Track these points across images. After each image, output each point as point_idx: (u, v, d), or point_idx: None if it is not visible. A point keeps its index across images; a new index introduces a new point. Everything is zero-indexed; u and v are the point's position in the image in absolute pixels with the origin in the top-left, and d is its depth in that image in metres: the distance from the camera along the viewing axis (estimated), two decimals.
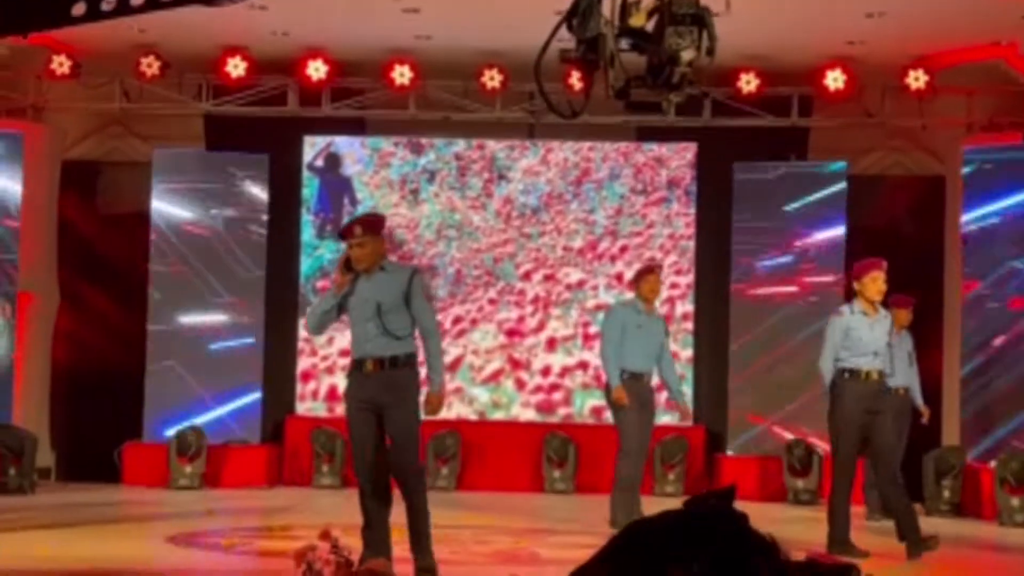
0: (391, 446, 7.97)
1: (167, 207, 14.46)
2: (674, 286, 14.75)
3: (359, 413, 7.95)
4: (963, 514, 12.86)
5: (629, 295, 11.66)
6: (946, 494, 12.95)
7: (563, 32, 6.02)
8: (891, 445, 9.82)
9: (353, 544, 7.24)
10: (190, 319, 14.40)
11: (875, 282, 9.74)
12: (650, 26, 5.84)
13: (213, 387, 14.29)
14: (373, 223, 8.10)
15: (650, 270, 11.27)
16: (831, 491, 9.84)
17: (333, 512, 10.30)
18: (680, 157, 14.95)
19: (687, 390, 14.51)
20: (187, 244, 14.43)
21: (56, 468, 14.58)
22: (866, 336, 9.67)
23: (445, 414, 14.45)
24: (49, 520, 9.77)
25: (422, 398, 8.11)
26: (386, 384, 7.90)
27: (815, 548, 9.31)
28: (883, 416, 9.64)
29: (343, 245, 8.11)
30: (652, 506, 12.51)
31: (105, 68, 14.42)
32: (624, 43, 5.77)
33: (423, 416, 8.10)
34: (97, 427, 14.37)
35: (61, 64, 14.11)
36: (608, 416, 14.32)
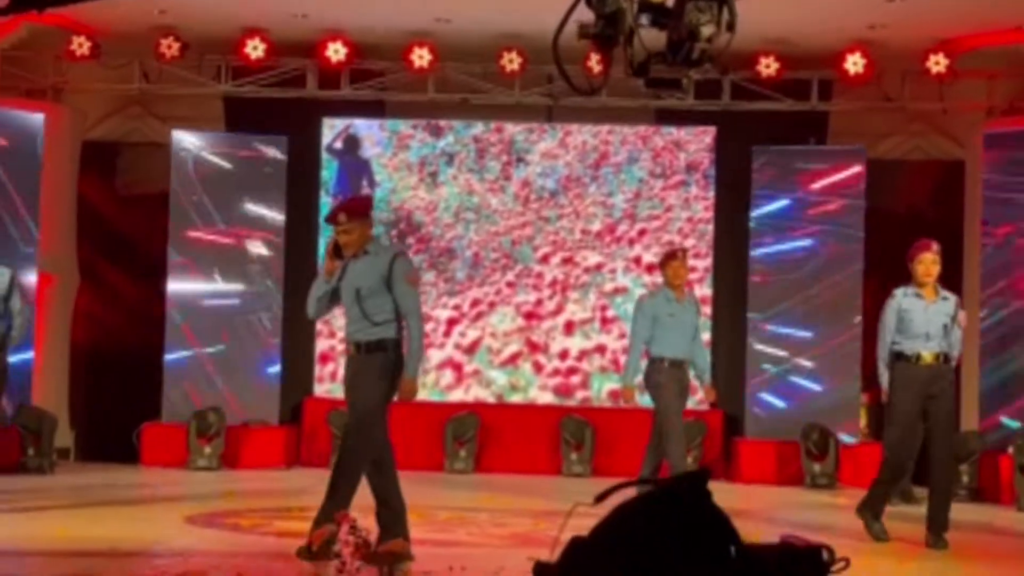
0: (348, 431, 8.01)
1: (186, 187, 14.48)
2: (692, 269, 14.67)
3: (346, 396, 8.08)
4: (981, 499, 12.84)
5: (659, 281, 11.48)
6: (964, 479, 12.93)
7: (582, 11, 5.98)
8: (943, 428, 9.47)
9: (371, 526, 7.26)
10: (209, 300, 14.43)
11: (921, 264, 9.52)
12: (670, 2, 5.80)
13: (231, 368, 14.32)
14: (357, 208, 8.05)
15: (673, 255, 11.12)
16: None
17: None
18: (699, 141, 14.92)
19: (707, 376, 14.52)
20: (205, 225, 14.45)
21: (75, 448, 14.63)
22: (918, 318, 9.40)
23: (463, 396, 14.64)
24: (68, 500, 9.79)
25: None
26: (355, 369, 7.96)
27: (811, 533, 9.31)
28: (938, 400, 9.35)
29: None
30: None
31: (125, 49, 14.44)
32: (644, 19, 5.70)
33: (396, 400, 7.95)
34: (116, 407, 14.42)
35: (81, 45, 14.14)
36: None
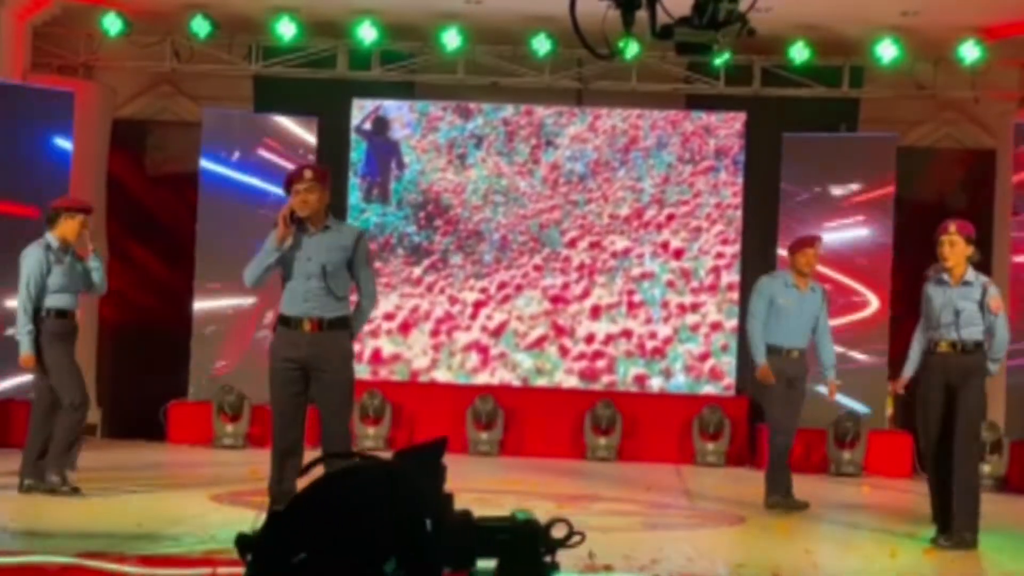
0: (324, 410, 7.70)
1: (215, 167, 14.49)
2: (720, 255, 14.70)
3: (287, 372, 7.63)
4: (1007, 490, 12.79)
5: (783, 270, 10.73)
6: (986, 468, 12.82)
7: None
8: (962, 422, 8.67)
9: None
10: (236, 280, 14.42)
11: (939, 247, 8.98)
12: None
13: (256, 347, 14.33)
14: (323, 173, 7.76)
15: (810, 242, 10.60)
16: None
17: None
18: (729, 126, 14.87)
19: (731, 359, 14.51)
20: (234, 205, 14.45)
21: (102, 425, 14.68)
22: (937, 302, 8.81)
23: (488, 379, 14.63)
24: (94, 478, 9.81)
25: None
26: (323, 345, 7.62)
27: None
28: (960, 389, 8.67)
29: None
30: (693, 476, 12.45)
31: (156, 28, 14.47)
32: None
33: None
34: (143, 385, 14.47)
35: (113, 23, 14.16)
36: (651, 384, 14.37)
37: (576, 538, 4.39)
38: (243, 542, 4.08)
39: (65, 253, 9.62)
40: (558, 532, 4.36)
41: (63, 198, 10.30)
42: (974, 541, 8.53)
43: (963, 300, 8.75)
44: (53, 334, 9.51)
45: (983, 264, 10.85)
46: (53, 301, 9.54)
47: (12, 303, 10.50)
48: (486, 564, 4.29)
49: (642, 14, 5.82)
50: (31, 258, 9.50)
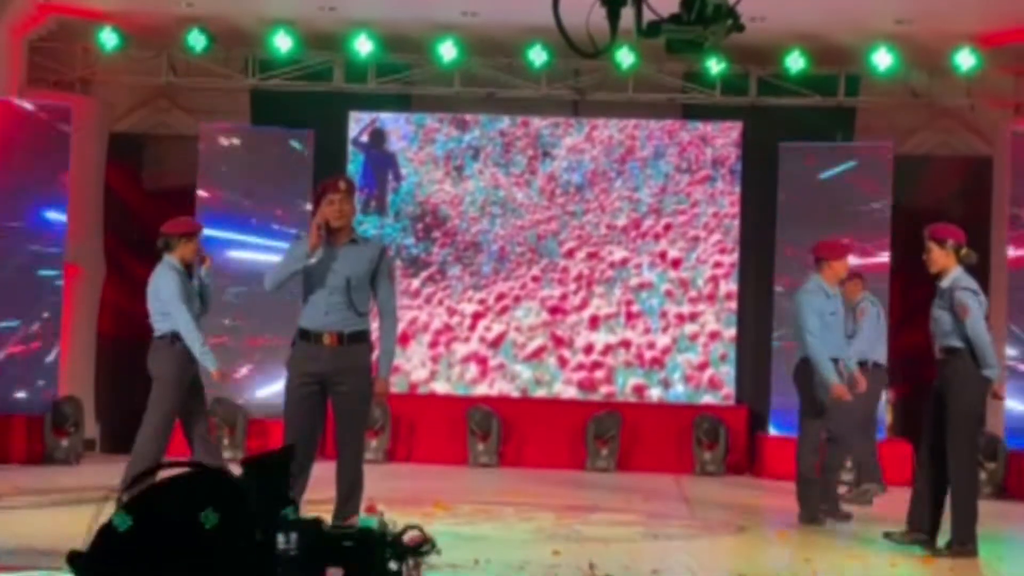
0: (342, 423, 7.65)
1: (213, 180, 14.52)
2: (718, 265, 14.73)
3: (305, 387, 7.57)
4: (1006, 496, 12.81)
5: (815, 278, 10.29)
6: (983, 476, 12.80)
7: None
8: (953, 425, 8.63)
9: (398, 517, 7.27)
10: (235, 291, 14.45)
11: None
12: None
13: (256, 359, 14.35)
14: (354, 185, 7.75)
15: (847, 249, 10.51)
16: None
17: (376, 486, 10.34)
18: (725, 136, 14.90)
19: (729, 369, 14.53)
20: (232, 217, 14.48)
21: (100, 439, 14.68)
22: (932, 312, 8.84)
23: (487, 390, 14.65)
24: (94, 492, 9.81)
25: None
26: (344, 359, 7.55)
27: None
28: (945, 397, 8.61)
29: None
30: (693, 485, 12.43)
31: (152, 42, 14.50)
32: None
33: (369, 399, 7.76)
34: (141, 399, 14.41)
35: (108, 37, 14.19)
36: (650, 394, 14.38)
37: (427, 547, 4.41)
38: (73, 559, 4.06)
39: (189, 276, 9.59)
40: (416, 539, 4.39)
41: (175, 222, 10.21)
42: (974, 550, 8.49)
43: (939, 308, 8.70)
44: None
45: (981, 269, 10.83)
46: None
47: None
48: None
49: (640, 16, 5.71)
50: (172, 281, 9.36)
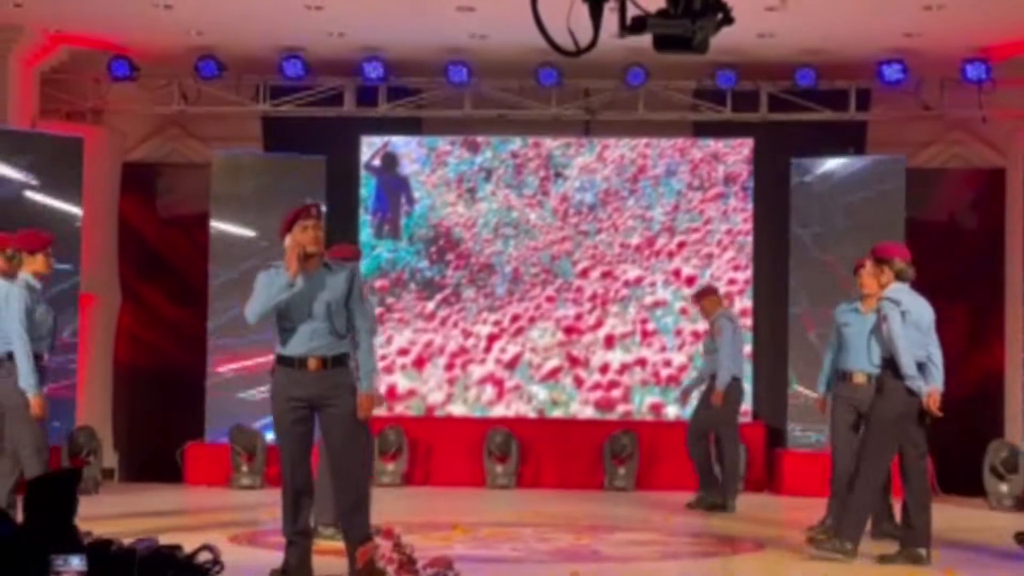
0: (331, 444, 7.70)
1: (226, 207, 14.55)
2: (732, 282, 14.72)
3: (295, 412, 7.64)
4: None
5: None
6: (1004, 488, 12.79)
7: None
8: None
9: (415, 542, 7.27)
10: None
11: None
12: None
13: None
14: (322, 212, 7.79)
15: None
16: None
17: (392, 510, 10.35)
18: (737, 152, 14.91)
19: (746, 386, 14.50)
20: (245, 244, 14.51)
21: (119, 469, 14.70)
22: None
23: (504, 412, 14.64)
24: (114, 521, 9.82)
25: None
26: (331, 383, 7.62)
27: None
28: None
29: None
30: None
31: (163, 71, 14.56)
32: None
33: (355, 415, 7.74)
34: (159, 427, 14.48)
35: (120, 67, 14.25)
36: (667, 412, 14.37)
37: (216, 567, 4.43)
38: None
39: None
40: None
41: (340, 250, 10.16)
42: (854, 551, 8.72)
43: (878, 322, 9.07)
44: None
45: (998, 282, 10.77)
46: None
47: None
48: None
49: (624, 13, 5.54)
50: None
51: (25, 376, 8.97)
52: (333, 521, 8.91)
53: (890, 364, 8.81)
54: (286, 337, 7.67)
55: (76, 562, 4.28)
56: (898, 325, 8.74)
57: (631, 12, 5.49)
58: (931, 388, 8.77)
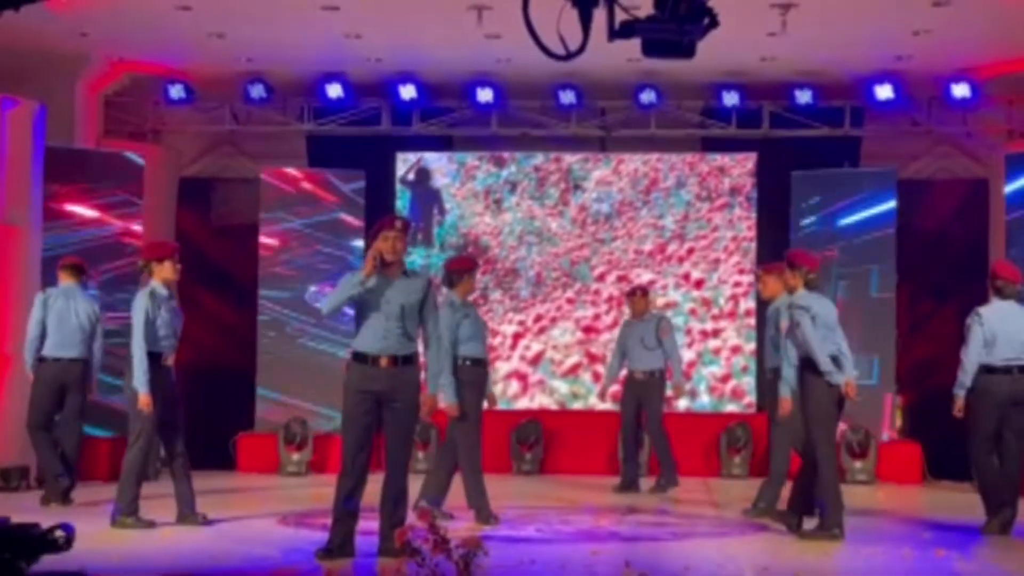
0: (393, 437, 7.80)
1: (274, 217, 14.59)
2: (737, 284, 14.71)
3: (364, 403, 7.70)
4: None
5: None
6: None
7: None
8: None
9: (449, 524, 7.28)
10: (296, 319, 14.51)
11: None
12: None
13: (317, 381, 14.37)
14: (408, 225, 7.89)
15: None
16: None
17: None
18: (741, 166, 14.89)
19: (750, 379, 14.48)
20: (292, 252, 14.55)
21: (161, 459, 14.69)
22: None
23: (528, 404, 14.64)
24: (171, 504, 9.83)
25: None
26: (399, 379, 7.70)
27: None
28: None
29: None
30: (720, 488, 12.37)
31: (216, 94, 14.60)
32: None
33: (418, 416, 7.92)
34: (213, 419, 14.50)
35: (177, 91, 14.30)
36: (677, 405, 14.32)
37: (61, 540, 4.39)
38: None
39: (468, 307, 9.69)
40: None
41: (460, 258, 10.28)
42: (840, 534, 8.77)
43: (785, 324, 9.27)
44: (470, 383, 9.51)
45: (980, 284, 10.74)
46: (466, 350, 9.52)
47: None
48: None
49: (612, 17, 5.33)
50: (446, 319, 9.21)
51: (136, 376, 9.11)
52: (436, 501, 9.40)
53: (807, 363, 8.95)
54: (363, 335, 7.76)
55: None
56: (810, 329, 8.88)
57: (620, 17, 5.25)
58: (847, 378, 8.93)
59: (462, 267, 9.83)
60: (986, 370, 9.38)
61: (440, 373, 7.97)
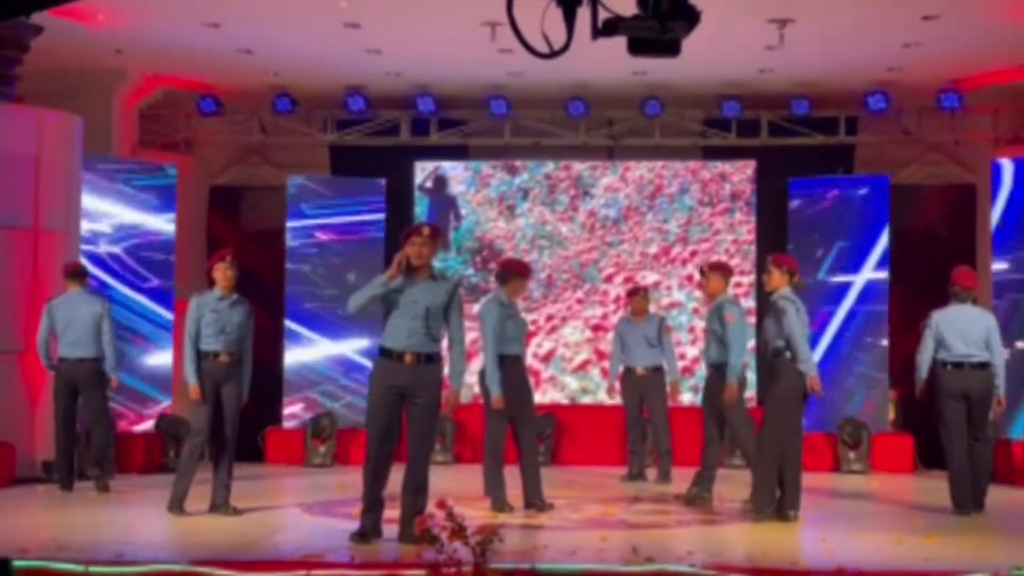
0: (414, 431, 7.80)
1: (299, 223, 14.62)
2: (737, 285, 14.67)
3: (388, 397, 7.72)
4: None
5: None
6: None
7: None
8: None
9: (466, 512, 7.29)
10: (320, 321, 14.53)
11: None
12: None
13: (340, 378, 14.41)
14: (437, 232, 7.91)
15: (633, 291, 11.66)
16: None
17: (445, 485, 10.36)
18: (741, 173, 14.88)
19: (750, 375, 14.45)
20: (316, 256, 14.58)
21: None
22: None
23: (540, 399, 14.63)
24: (202, 494, 9.85)
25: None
26: (421, 376, 7.71)
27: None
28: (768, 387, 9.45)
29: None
30: (721, 478, 12.38)
31: (244, 107, 14.63)
32: None
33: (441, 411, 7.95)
34: (242, 414, 14.48)
35: (207, 104, 14.34)
36: (681, 399, 14.33)
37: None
38: None
39: (513, 308, 9.74)
40: None
41: (516, 261, 10.50)
42: (795, 516, 8.98)
43: (768, 319, 9.27)
44: (504, 379, 9.55)
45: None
46: (506, 348, 9.58)
47: None
48: None
49: (596, 16, 5.12)
50: (493, 314, 9.47)
51: (185, 367, 9.50)
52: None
53: (780, 352, 9.03)
54: (389, 332, 7.78)
55: None
56: (795, 318, 8.98)
57: (604, 16, 5.07)
58: (812, 374, 9.02)
59: (514, 269, 9.84)
60: (942, 365, 9.71)
61: (462, 372, 7.96)
